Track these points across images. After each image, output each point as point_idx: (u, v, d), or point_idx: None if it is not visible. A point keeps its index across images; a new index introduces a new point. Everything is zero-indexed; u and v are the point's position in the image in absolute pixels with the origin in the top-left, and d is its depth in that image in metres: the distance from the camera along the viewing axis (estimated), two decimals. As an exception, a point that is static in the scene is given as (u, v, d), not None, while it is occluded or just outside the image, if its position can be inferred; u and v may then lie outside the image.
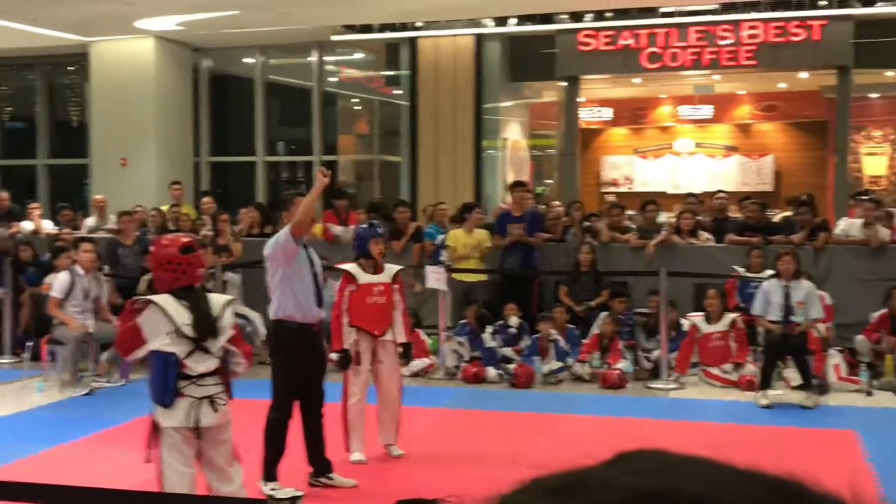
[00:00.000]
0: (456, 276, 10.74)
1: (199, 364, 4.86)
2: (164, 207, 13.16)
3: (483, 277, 11.09)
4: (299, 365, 6.27)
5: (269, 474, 5.99)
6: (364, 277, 6.95)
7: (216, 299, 5.10)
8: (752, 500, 0.56)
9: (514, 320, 10.34)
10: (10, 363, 10.74)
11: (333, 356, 6.93)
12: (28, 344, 10.30)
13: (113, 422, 8.18)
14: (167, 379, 4.85)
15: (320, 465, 6.35)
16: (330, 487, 6.27)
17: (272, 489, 5.80)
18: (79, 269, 9.54)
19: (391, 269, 7.14)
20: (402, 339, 7.10)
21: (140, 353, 4.94)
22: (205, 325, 4.88)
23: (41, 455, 7.12)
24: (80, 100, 18.32)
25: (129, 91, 16.45)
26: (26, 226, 12.88)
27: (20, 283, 11.32)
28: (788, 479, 0.61)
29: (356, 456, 6.85)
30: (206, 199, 13.64)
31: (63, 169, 18.81)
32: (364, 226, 7.40)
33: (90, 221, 13.17)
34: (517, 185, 11.85)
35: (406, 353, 7.24)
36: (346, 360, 6.84)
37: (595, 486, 0.58)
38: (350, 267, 7.03)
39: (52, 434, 7.76)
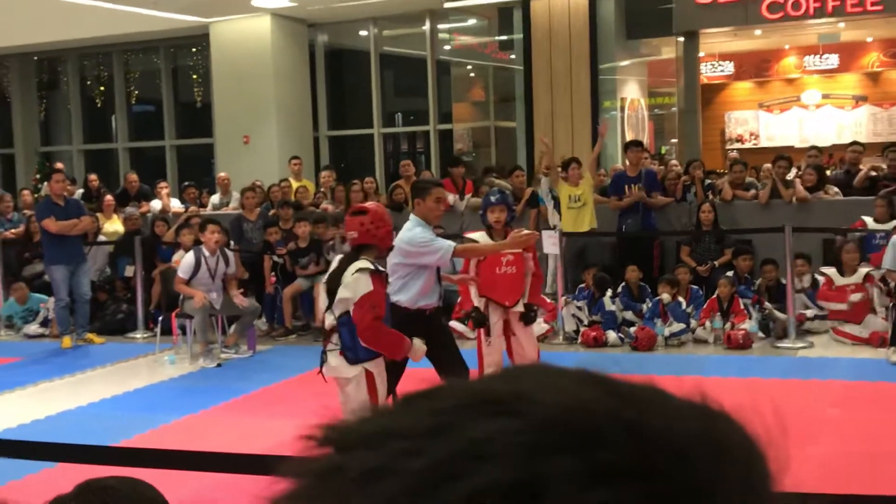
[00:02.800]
0: (565, 226, 10.63)
1: None
2: (279, 183, 13.40)
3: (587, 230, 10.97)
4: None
5: None
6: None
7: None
8: (579, 398, 0.54)
9: (633, 281, 10.22)
10: (143, 337, 11.14)
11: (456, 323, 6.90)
12: (159, 318, 10.66)
13: (242, 391, 8.42)
14: None
15: None
16: None
17: None
18: (205, 250, 9.80)
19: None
20: (525, 300, 6.90)
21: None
22: None
23: (173, 424, 7.37)
24: (202, 80, 18.79)
25: (248, 69, 16.79)
26: (155, 205, 13.31)
27: (153, 260, 11.73)
28: (644, 387, 0.58)
29: None
30: (325, 173, 13.85)
31: (189, 149, 19.36)
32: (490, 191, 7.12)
33: (215, 199, 13.53)
34: (632, 145, 11.65)
35: (526, 316, 6.95)
36: (481, 319, 6.67)
37: (443, 393, 0.57)
38: (477, 235, 6.80)
39: (184, 404, 8.02)
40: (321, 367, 5.42)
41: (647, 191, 10.98)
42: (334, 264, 5.35)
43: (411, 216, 6.07)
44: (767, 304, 9.89)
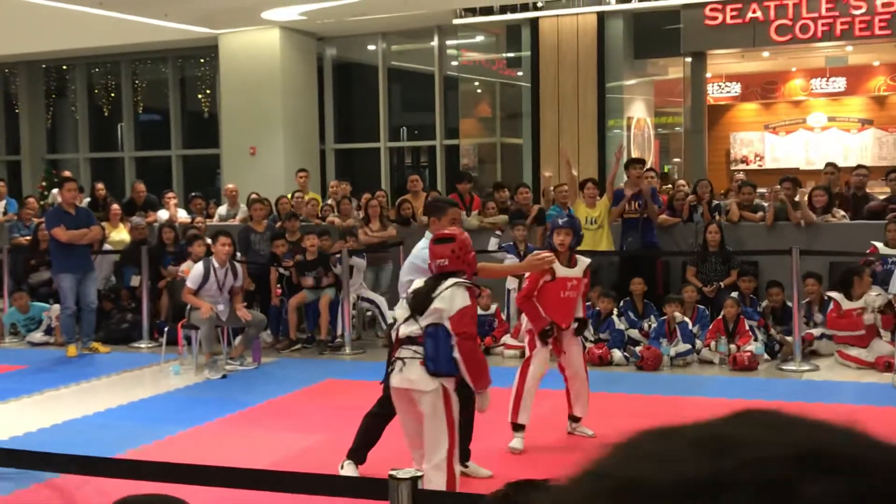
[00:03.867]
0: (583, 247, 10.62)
1: None
2: (289, 195, 13.42)
3: (603, 250, 11.00)
4: None
5: (357, 457, 6.06)
6: (561, 270, 6.87)
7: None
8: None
9: (638, 293, 10.28)
10: (148, 347, 11.15)
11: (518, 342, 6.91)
12: (165, 329, 10.68)
13: (247, 403, 8.42)
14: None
15: (463, 452, 6.17)
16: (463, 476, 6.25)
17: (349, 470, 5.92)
18: (214, 262, 9.81)
19: (583, 262, 7.06)
20: (579, 313, 7.10)
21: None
22: None
23: (179, 436, 7.37)
24: (210, 91, 18.86)
25: (256, 81, 16.84)
26: (162, 215, 13.34)
27: (159, 270, 11.73)
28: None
29: (515, 443, 6.76)
30: (334, 183, 13.88)
31: (195, 159, 19.41)
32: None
33: (222, 210, 13.55)
34: (634, 162, 11.65)
35: (579, 329, 7.15)
36: (551, 332, 6.81)
37: (743, 443, 0.57)
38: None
39: (190, 415, 8.02)
40: (386, 378, 5.29)
41: (644, 206, 11.02)
42: (418, 283, 5.28)
43: (427, 234, 6.03)
44: (773, 329, 9.91)
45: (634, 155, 15.98)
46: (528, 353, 6.98)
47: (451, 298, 5.02)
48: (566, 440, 7.15)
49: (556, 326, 6.86)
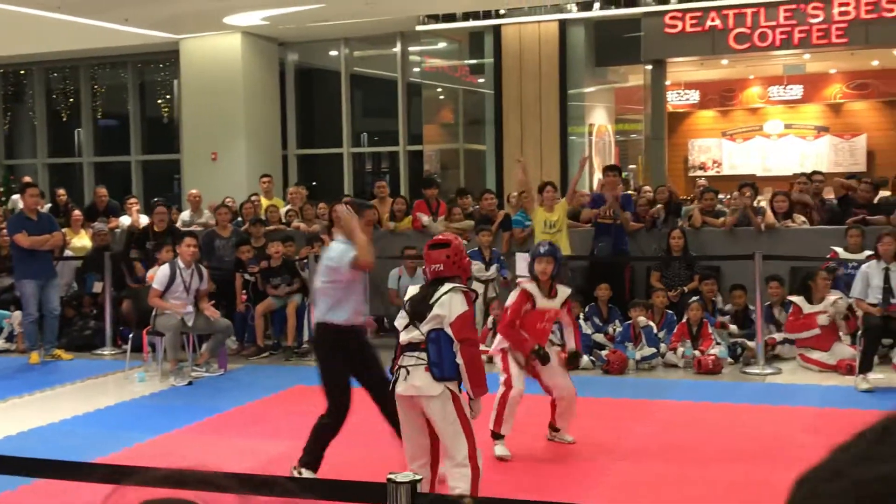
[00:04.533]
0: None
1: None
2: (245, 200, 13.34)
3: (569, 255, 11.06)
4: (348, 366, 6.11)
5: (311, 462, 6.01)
6: (541, 301, 6.70)
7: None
8: None
9: (603, 298, 10.35)
10: (112, 354, 11.05)
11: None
12: (129, 335, 10.59)
13: (215, 410, 8.37)
14: None
15: None
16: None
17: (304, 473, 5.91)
18: (180, 263, 9.75)
19: (563, 292, 6.84)
20: (571, 346, 6.95)
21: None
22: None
23: (148, 443, 7.31)
24: (170, 96, 18.73)
25: (218, 86, 16.76)
26: (124, 221, 13.22)
27: (122, 276, 11.63)
28: None
29: (500, 451, 6.70)
30: (293, 189, 13.83)
31: (155, 164, 19.26)
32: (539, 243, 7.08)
33: (185, 215, 13.46)
34: (610, 169, 11.74)
35: (573, 361, 6.99)
36: (545, 355, 6.66)
37: None
38: (531, 287, 6.73)
39: (157, 423, 7.96)
40: (392, 386, 5.24)
41: (621, 208, 11.11)
42: (413, 291, 5.32)
43: (338, 237, 6.12)
44: (733, 328, 10.04)
45: (596, 161, 16.15)
46: (502, 376, 6.76)
47: (450, 304, 5.05)
48: (533, 444, 7.18)
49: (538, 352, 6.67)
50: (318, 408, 7.77)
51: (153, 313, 9.78)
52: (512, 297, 6.82)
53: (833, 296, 9.61)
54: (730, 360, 9.79)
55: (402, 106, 17.19)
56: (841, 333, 9.68)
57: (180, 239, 10.17)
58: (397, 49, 17.12)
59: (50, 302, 10.75)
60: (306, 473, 5.96)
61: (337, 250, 5.98)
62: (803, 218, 11.12)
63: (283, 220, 12.72)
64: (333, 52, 17.71)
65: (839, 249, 10.20)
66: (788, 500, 0.63)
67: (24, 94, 20.25)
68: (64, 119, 19.83)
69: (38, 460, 4.13)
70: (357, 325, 6.11)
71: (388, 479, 2.56)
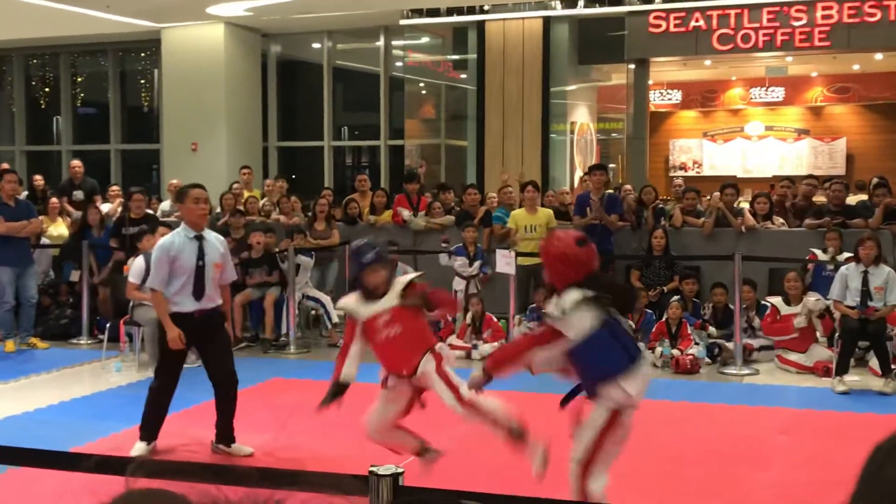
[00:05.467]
0: (520, 260, 10.60)
1: None
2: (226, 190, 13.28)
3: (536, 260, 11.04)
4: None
5: (148, 435, 6.70)
6: (364, 310, 5.44)
7: None
8: None
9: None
10: (88, 344, 10.97)
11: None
12: (105, 325, 10.51)
13: (192, 401, 8.29)
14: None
15: (224, 436, 6.81)
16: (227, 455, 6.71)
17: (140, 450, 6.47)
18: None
19: (397, 284, 5.48)
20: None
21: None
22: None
23: (123, 433, 7.25)
24: (151, 85, 18.61)
25: (199, 77, 16.67)
26: (104, 207, 13.11)
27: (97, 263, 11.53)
28: None
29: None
30: (269, 182, 13.77)
31: (134, 154, 19.14)
32: (359, 245, 5.62)
33: (165, 205, 13.38)
34: (596, 168, 11.67)
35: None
36: (337, 394, 5.47)
37: None
38: (347, 303, 5.57)
39: (133, 413, 7.88)
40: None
41: (607, 211, 11.07)
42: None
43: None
44: (711, 329, 10.07)
45: (577, 160, 16.16)
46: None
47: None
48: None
49: (396, 376, 5.47)
50: (294, 400, 7.75)
51: (131, 304, 9.71)
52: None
53: (812, 297, 9.66)
54: (707, 360, 9.82)
55: (383, 100, 17.15)
56: (818, 335, 9.73)
57: (156, 227, 10.09)
58: (381, 43, 17.08)
59: (27, 290, 10.65)
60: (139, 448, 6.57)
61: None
62: (782, 220, 11.17)
63: (261, 212, 12.66)
64: (316, 45, 17.65)
65: (818, 252, 10.25)
66: (866, 465, 0.65)
67: (3, 80, 20.08)
68: (43, 106, 19.67)
69: (13, 448, 4.08)
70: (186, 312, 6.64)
71: (371, 472, 2.55)
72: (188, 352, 6.92)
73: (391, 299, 5.38)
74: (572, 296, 4.46)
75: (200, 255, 6.57)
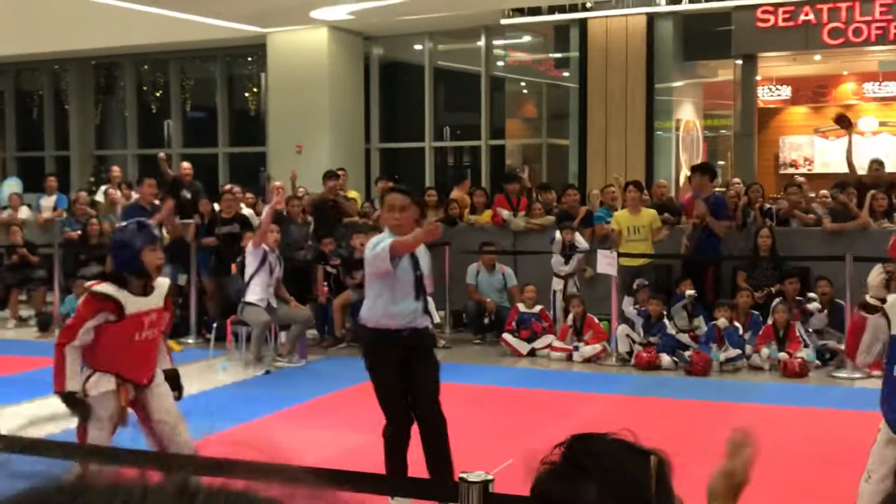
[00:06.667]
0: (622, 261, 10.44)
1: None
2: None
3: (646, 261, 10.84)
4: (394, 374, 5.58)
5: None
6: (132, 302, 4.87)
7: None
8: None
9: (689, 293, 10.08)
10: (196, 343, 11.21)
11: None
12: (213, 325, 10.72)
13: (295, 400, 8.44)
14: None
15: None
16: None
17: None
18: (265, 247, 9.85)
19: (161, 285, 5.08)
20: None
21: None
22: None
23: (228, 432, 7.38)
24: (257, 89, 18.96)
25: (303, 80, 16.91)
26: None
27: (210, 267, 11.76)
28: None
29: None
30: (382, 184, 13.89)
31: (240, 157, 19.52)
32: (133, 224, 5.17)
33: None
34: (696, 169, 11.33)
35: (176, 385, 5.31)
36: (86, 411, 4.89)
37: None
38: (105, 288, 4.87)
39: (237, 412, 8.04)
40: None
41: (713, 214, 10.70)
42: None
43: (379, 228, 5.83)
44: (820, 317, 9.75)
45: (683, 158, 15.88)
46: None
47: None
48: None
49: (127, 385, 4.96)
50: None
51: (240, 305, 9.89)
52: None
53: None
54: (818, 363, 9.53)
55: (484, 100, 17.12)
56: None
57: (248, 227, 10.28)
58: (482, 43, 17.06)
59: None
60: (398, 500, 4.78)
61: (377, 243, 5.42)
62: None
63: (361, 213, 12.79)
64: (418, 46, 17.73)
65: None
66: None
67: (116, 86, 20.69)
68: (154, 111, 20.21)
69: (123, 449, 4.18)
70: (395, 329, 5.50)
71: (461, 479, 2.52)
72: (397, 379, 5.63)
73: (159, 298, 4.98)
74: None
75: (416, 264, 5.55)
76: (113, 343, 4.80)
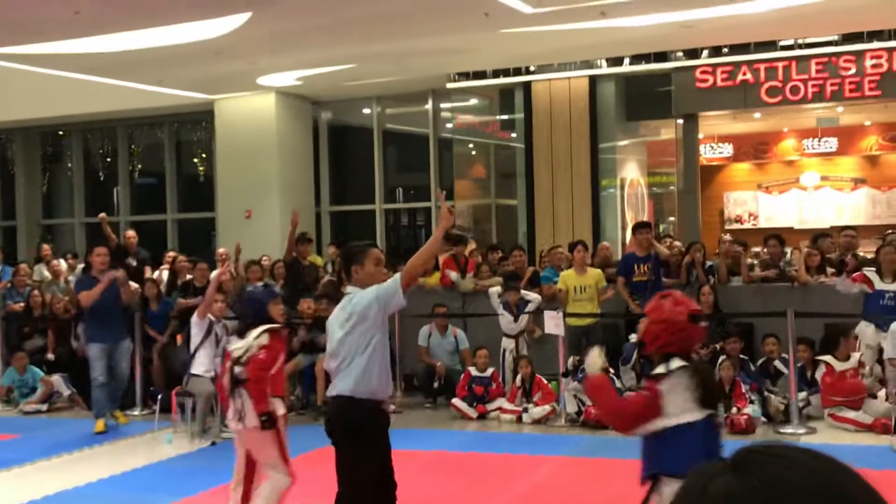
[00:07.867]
0: (569, 321, 10.52)
1: None
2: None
3: (593, 321, 10.95)
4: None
5: None
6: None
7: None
8: None
9: (633, 339, 10.13)
10: (142, 415, 11.06)
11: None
12: (158, 396, 10.60)
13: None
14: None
15: None
16: None
17: None
18: (211, 317, 9.77)
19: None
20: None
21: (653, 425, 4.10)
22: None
23: (172, 507, 7.27)
24: (206, 155, 18.95)
25: (252, 145, 16.94)
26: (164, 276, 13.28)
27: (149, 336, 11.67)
28: None
29: None
30: (332, 251, 13.89)
31: (190, 222, 19.44)
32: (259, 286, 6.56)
33: (216, 274, 13.51)
34: (640, 227, 11.58)
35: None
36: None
37: None
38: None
39: (182, 486, 7.92)
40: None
41: (654, 274, 10.92)
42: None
43: (349, 287, 5.33)
44: (770, 389, 9.85)
45: (629, 216, 16.06)
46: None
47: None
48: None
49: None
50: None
51: (185, 376, 9.79)
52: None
53: (856, 354, 9.47)
54: (763, 419, 9.61)
55: (433, 162, 17.26)
56: (874, 391, 9.49)
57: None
58: (429, 106, 17.23)
59: (119, 366, 10.50)
60: None
61: (363, 294, 5.16)
62: (833, 271, 10.94)
63: (317, 277, 12.75)
64: (366, 110, 17.86)
65: (871, 274, 9.84)
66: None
67: (63, 154, 20.59)
68: (101, 178, 20.11)
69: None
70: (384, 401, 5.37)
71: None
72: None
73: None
74: (677, 362, 4.12)
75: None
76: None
